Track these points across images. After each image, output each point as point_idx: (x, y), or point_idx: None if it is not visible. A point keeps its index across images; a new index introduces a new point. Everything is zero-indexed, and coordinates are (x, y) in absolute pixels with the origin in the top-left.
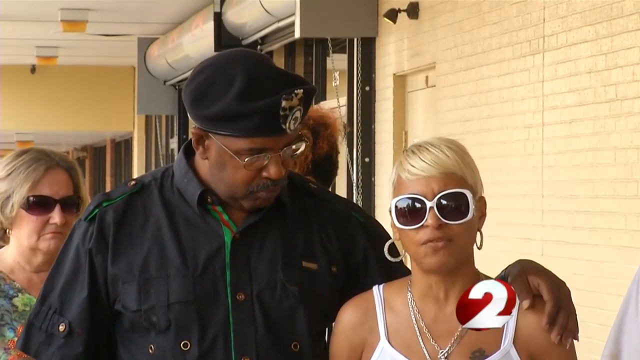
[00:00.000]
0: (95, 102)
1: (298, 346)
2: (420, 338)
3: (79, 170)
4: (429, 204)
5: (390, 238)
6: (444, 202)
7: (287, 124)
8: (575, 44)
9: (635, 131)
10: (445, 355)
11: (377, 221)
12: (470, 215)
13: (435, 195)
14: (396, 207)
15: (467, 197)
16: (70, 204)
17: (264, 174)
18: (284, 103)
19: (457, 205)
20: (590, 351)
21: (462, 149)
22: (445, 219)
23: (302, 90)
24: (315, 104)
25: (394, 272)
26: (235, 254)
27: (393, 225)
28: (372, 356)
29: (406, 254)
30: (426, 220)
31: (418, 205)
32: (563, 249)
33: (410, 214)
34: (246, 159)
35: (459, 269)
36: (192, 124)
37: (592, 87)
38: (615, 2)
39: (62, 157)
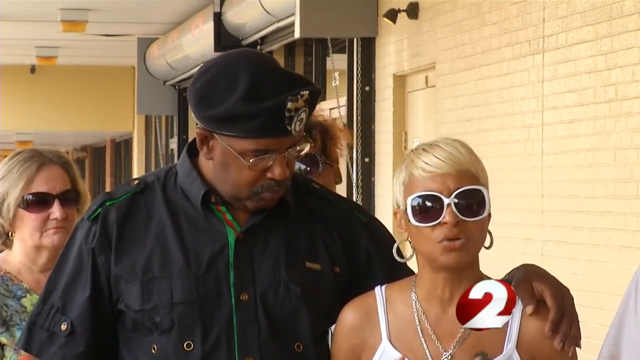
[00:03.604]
0: (95, 102)
1: (301, 346)
2: (422, 339)
3: (74, 165)
4: (446, 200)
5: (393, 238)
6: (460, 199)
7: (293, 125)
8: (575, 44)
9: (635, 131)
10: (448, 357)
11: (379, 221)
12: (486, 212)
13: (452, 192)
14: (411, 205)
15: (483, 193)
16: (69, 198)
17: (269, 174)
18: (289, 104)
19: (474, 202)
20: (590, 351)
21: (471, 149)
22: (462, 216)
23: (307, 92)
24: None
25: (397, 272)
26: (239, 254)
27: (399, 225)
28: (374, 357)
29: (413, 255)
30: (444, 217)
31: (434, 202)
32: (563, 249)
33: (427, 211)
34: (251, 160)
35: (467, 269)
36: (196, 124)
37: (592, 87)
38: (615, 2)
39: (55, 153)
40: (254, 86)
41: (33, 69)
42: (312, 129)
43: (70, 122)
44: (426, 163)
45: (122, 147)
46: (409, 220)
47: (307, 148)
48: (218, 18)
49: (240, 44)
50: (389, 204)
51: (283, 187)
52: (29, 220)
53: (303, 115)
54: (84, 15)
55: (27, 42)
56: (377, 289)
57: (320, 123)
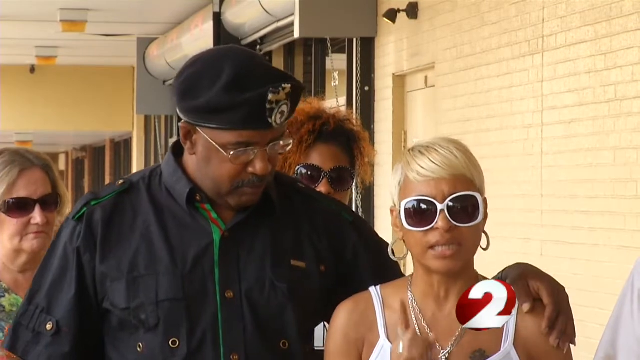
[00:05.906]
0: (94, 102)
1: (287, 344)
2: None
3: (54, 167)
4: (439, 206)
5: (380, 238)
6: (454, 204)
7: (273, 118)
8: (575, 44)
9: (634, 131)
10: (446, 355)
11: (365, 221)
12: (480, 218)
13: (446, 198)
14: (405, 208)
15: (477, 199)
16: (49, 202)
17: (250, 169)
18: (270, 96)
19: (467, 207)
20: (589, 351)
21: (468, 150)
22: (456, 222)
23: (289, 85)
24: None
25: (385, 272)
26: (224, 252)
27: (396, 224)
28: (372, 354)
29: (407, 254)
30: (436, 222)
31: (428, 207)
32: (562, 249)
33: (420, 215)
34: (232, 153)
35: (462, 269)
36: (180, 119)
37: (592, 87)
38: (615, 2)
39: (37, 155)
40: (236, 78)
41: (33, 69)
42: (352, 142)
43: (70, 122)
44: (421, 167)
45: (122, 147)
46: (402, 224)
47: (290, 144)
48: (217, 18)
49: (239, 44)
50: (388, 204)
51: (264, 182)
52: (9, 225)
53: (284, 109)
54: (83, 15)
55: (26, 42)
56: (372, 288)
57: (362, 139)
